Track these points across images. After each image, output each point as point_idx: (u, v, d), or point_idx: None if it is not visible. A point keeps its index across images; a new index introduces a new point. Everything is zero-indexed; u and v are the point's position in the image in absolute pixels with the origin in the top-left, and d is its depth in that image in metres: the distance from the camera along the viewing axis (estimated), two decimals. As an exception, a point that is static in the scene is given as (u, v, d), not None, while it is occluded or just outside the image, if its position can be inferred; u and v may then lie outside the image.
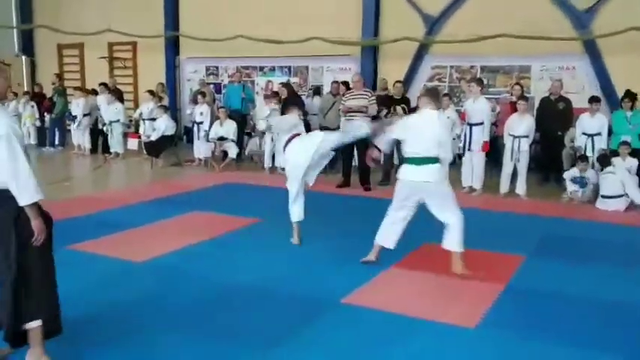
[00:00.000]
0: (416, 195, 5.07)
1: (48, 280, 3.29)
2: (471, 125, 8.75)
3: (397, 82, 10.60)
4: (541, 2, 11.25)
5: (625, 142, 8.63)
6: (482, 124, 8.69)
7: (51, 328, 3.32)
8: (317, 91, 12.37)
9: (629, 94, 9.22)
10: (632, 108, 9.09)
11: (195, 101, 12.33)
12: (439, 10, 12.14)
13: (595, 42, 10.93)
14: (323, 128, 10.70)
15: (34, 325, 3.25)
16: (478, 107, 8.71)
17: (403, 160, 5.22)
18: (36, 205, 3.16)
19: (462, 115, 9.21)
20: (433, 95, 5.26)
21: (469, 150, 8.86)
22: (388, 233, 5.27)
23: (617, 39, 10.37)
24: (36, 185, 3.13)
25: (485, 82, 11.63)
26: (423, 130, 4.99)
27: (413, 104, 9.40)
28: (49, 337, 3.34)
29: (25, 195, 3.09)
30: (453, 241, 4.95)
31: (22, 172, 3.08)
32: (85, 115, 12.95)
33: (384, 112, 9.32)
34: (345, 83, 10.63)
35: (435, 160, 4.94)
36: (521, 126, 8.68)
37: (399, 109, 9.26)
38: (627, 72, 10.67)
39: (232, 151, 11.08)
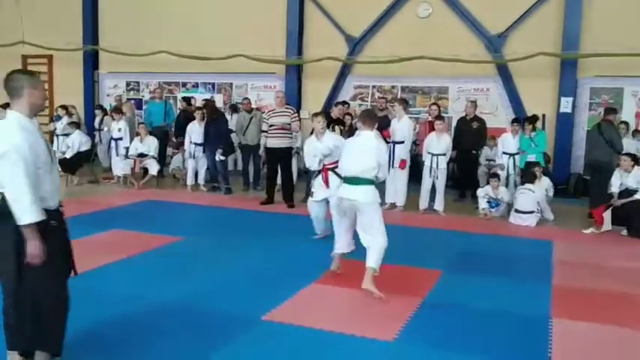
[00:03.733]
0: (352, 210, 5.14)
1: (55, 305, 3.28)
2: (394, 143, 8.96)
3: (339, 103, 10.85)
4: (457, 27, 11.77)
5: (537, 163, 9.11)
6: (403, 142, 8.94)
7: None
8: (235, 108, 12.29)
9: (529, 119, 9.76)
10: (534, 129, 9.59)
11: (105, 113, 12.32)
12: (361, 31, 12.45)
13: (507, 66, 11.52)
14: (244, 146, 10.71)
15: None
16: (400, 126, 8.96)
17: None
18: (33, 226, 3.07)
19: (386, 134, 9.41)
20: (366, 116, 5.33)
21: (392, 167, 9.05)
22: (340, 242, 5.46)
23: (526, 63, 10.98)
24: (32, 205, 3.06)
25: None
26: (357, 152, 5.06)
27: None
28: None
29: (25, 214, 3.06)
30: (371, 258, 4.96)
31: (23, 191, 3.04)
32: None
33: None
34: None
35: (367, 181, 4.99)
36: (438, 144, 8.99)
37: (336, 128, 9.45)
38: (536, 94, 11.34)
39: (153, 167, 10.81)
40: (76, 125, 11.66)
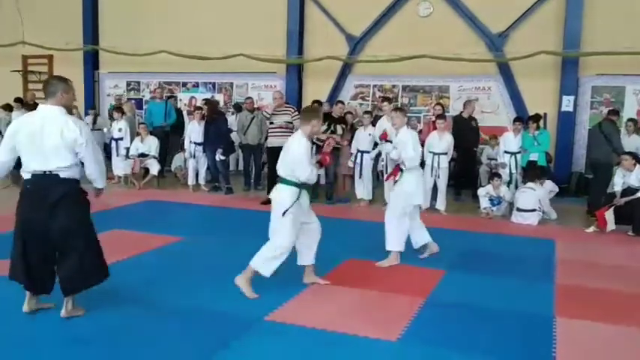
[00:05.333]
0: None
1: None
2: (390, 142, 8.91)
3: (339, 101, 10.79)
4: (458, 25, 11.75)
5: (540, 168, 9.04)
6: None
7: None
8: (239, 107, 12.24)
9: (533, 117, 9.70)
10: (538, 128, 9.55)
11: (111, 117, 12.12)
12: (361, 30, 12.42)
13: (508, 64, 11.50)
14: (244, 146, 10.68)
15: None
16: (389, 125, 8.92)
17: None
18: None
19: (383, 135, 9.35)
20: (301, 114, 5.28)
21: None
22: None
23: (527, 62, 10.95)
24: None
25: (406, 101, 12.03)
26: (288, 150, 5.00)
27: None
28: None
29: (103, 181, 4.50)
30: (256, 257, 4.93)
31: (103, 167, 4.44)
32: None
33: (324, 128, 9.38)
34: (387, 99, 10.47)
35: (283, 180, 4.93)
36: (440, 143, 8.96)
37: (339, 127, 9.41)
38: (537, 93, 11.31)
39: (154, 167, 10.79)
40: None
